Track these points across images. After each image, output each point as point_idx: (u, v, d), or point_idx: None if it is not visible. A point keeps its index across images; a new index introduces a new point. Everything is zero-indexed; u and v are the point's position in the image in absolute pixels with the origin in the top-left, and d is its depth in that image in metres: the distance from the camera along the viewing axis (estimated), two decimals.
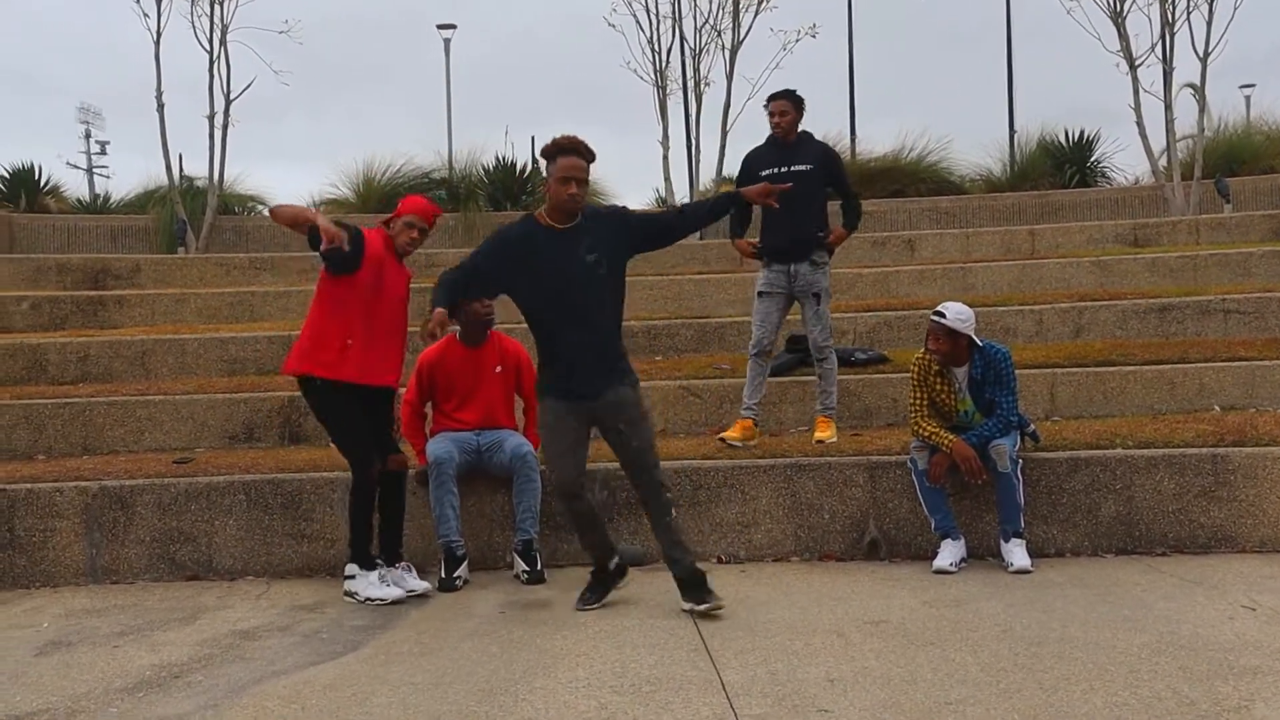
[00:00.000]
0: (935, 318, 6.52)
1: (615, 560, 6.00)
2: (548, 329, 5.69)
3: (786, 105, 7.66)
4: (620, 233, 5.71)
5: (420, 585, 6.33)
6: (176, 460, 7.53)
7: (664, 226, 5.88)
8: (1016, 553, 6.47)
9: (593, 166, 5.74)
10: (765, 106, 7.77)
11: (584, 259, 5.59)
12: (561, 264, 5.58)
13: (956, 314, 6.49)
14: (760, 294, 7.72)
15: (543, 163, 5.78)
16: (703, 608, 5.61)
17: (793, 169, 7.52)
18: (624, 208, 6.06)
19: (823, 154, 7.72)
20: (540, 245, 5.62)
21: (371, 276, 6.13)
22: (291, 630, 5.68)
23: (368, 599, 6.15)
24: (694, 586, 5.69)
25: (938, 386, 6.65)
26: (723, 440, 7.47)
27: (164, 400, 8.64)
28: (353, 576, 6.23)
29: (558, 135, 5.67)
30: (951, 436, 6.52)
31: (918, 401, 6.67)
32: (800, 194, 7.25)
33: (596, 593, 5.95)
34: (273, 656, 5.20)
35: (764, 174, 7.45)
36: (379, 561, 6.27)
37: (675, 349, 10.04)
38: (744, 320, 10.22)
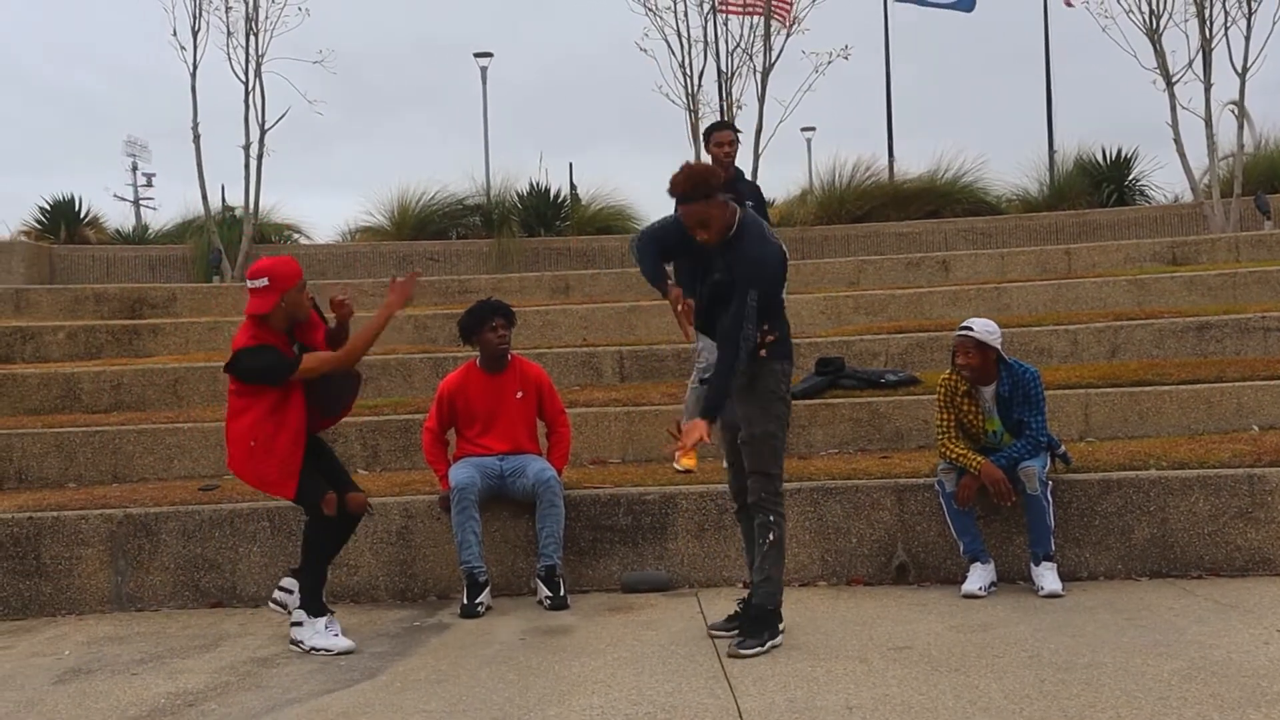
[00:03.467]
0: (962, 332, 6.44)
1: None
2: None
3: (731, 135, 7.75)
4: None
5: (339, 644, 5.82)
6: (202, 488, 7.55)
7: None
8: (1047, 576, 6.35)
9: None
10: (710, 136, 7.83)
11: (714, 277, 5.41)
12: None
13: (984, 327, 6.42)
14: None
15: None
16: (729, 648, 5.41)
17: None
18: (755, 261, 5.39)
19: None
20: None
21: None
22: (310, 658, 5.65)
23: (313, 649, 5.77)
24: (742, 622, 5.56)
25: (965, 407, 6.55)
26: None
27: (193, 428, 8.66)
28: (300, 623, 5.86)
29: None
30: (979, 458, 6.42)
31: (945, 423, 6.58)
32: None
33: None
34: (289, 684, 5.17)
35: None
36: (331, 610, 5.97)
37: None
38: None
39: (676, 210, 5.51)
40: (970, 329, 6.42)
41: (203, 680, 5.28)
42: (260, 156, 18.20)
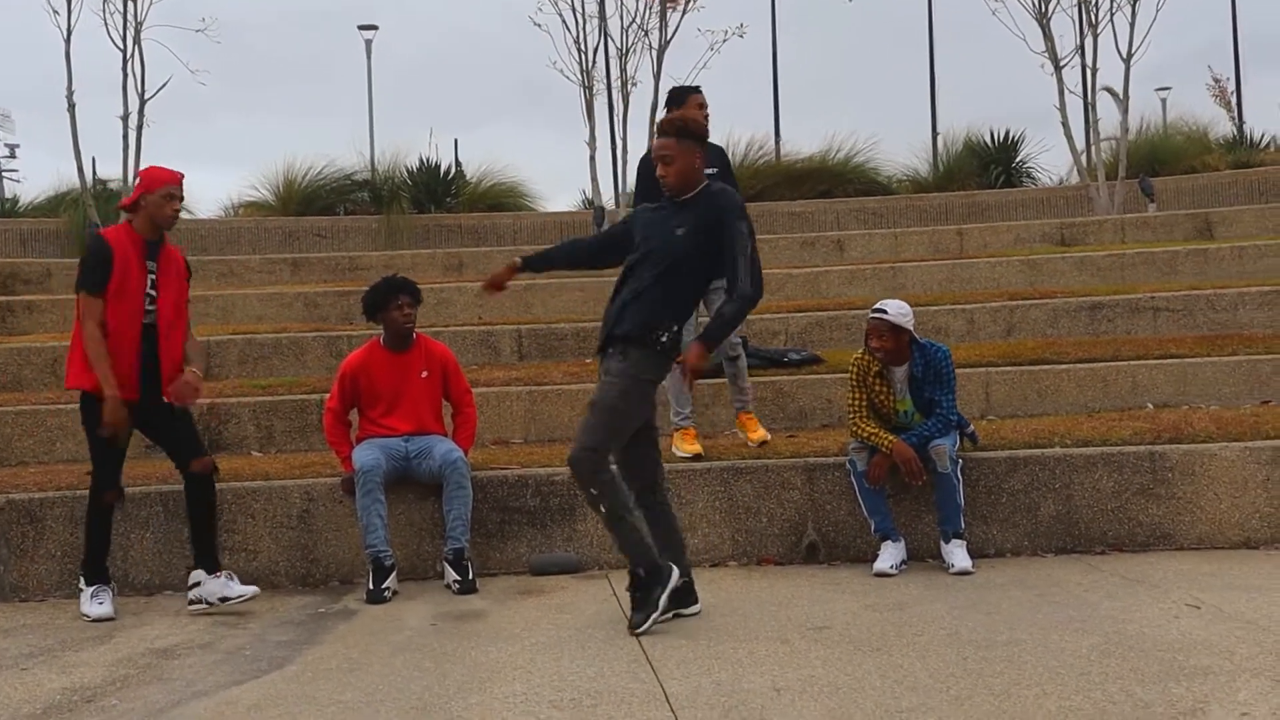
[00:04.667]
0: (877, 314, 6.42)
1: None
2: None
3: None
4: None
5: (247, 590, 6.05)
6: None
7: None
8: (957, 554, 6.38)
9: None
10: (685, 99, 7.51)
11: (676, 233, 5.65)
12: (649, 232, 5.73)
13: (898, 309, 6.42)
14: None
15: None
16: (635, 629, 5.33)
17: None
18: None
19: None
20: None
21: (117, 284, 5.91)
22: (213, 647, 5.43)
23: (82, 614, 6.02)
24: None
25: (876, 387, 6.55)
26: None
27: (77, 409, 8.27)
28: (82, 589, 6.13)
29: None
30: (891, 437, 6.42)
31: (857, 402, 6.57)
32: None
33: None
34: (193, 676, 4.95)
35: None
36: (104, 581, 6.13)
37: None
38: None
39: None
40: (885, 311, 6.40)
41: (100, 674, 5.03)
42: (140, 127, 17.62)
